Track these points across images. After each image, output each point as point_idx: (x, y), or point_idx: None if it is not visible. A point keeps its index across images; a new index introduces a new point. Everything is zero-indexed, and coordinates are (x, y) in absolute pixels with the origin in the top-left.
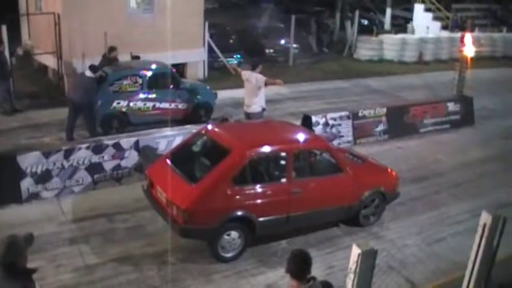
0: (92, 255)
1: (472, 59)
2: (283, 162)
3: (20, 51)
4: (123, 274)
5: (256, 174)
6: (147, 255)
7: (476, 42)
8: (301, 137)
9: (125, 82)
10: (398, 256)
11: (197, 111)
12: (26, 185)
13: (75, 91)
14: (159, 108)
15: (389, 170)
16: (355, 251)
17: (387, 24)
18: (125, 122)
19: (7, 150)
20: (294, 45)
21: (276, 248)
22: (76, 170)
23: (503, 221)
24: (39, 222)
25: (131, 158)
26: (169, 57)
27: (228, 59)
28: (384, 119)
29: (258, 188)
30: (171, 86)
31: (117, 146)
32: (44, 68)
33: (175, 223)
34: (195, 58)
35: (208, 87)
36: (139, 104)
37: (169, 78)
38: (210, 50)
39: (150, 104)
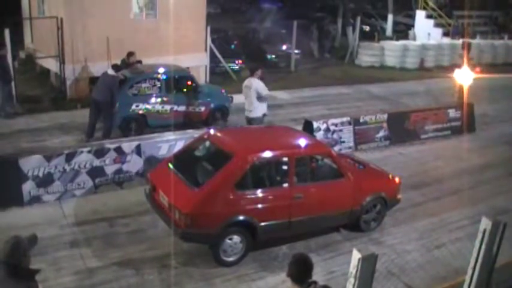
0: (93, 259)
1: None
2: (285, 167)
3: (22, 55)
4: (124, 278)
5: (258, 179)
6: (148, 259)
7: (476, 49)
8: (302, 142)
9: (144, 85)
10: (398, 261)
11: (213, 114)
12: (28, 188)
13: (97, 90)
14: (176, 111)
15: (390, 175)
16: (356, 255)
17: (389, 31)
18: (143, 125)
19: (9, 154)
20: (296, 51)
21: (277, 253)
22: (77, 173)
23: (503, 227)
24: (40, 225)
25: (133, 162)
26: (172, 62)
27: (230, 64)
28: (385, 125)
29: (260, 193)
30: (189, 89)
31: (118, 150)
32: (47, 71)
33: (178, 227)
34: (197, 63)
35: (223, 91)
36: (158, 107)
37: (187, 82)
38: (212, 55)
39: (168, 107)
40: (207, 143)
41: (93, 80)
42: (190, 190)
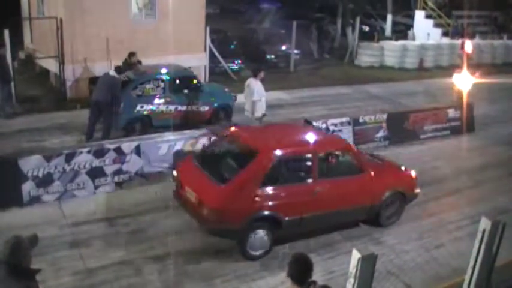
0: (92, 259)
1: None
2: (308, 163)
3: (22, 55)
4: (123, 278)
5: (282, 175)
6: (148, 259)
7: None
8: (324, 138)
9: (148, 86)
10: (397, 261)
11: (217, 114)
12: (27, 188)
13: (98, 90)
14: (181, 111)
15: (408, 170)
16: (355, 255)
17: (388, 31)
18: (147, 125)
19: (8, 154)
20: (295, 51)
21: (277, 253)
22: (77, 173)
23: (503, 227)
24: (40, 225)
25: (132, 163)
26: (171, 62)
27: (229, 65)
28: (384, 125)
29: (285, 189)
30: (193, 89)
31: (118, 150)
32: (46, 72)
33: (205, 222)
34: (196, 63)
35: (226, 90)
36: (162, 107)
37: (190, 82)
38: (211, 55)
39: (172, 107)
40: (232, 141)
41: (92, 81)
42: (218, 186)
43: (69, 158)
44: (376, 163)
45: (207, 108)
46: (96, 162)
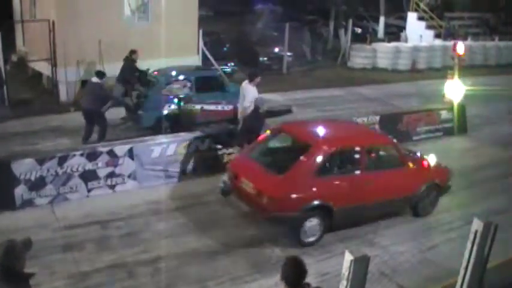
0: (86, 262)
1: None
2: (357, 156)
3: (14, 58)
4: (117, 281)
5: (334, 167)
6: (141, 262)
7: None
8: (370, 133)
9: (175, 86)
10: (390, 263)
11: None
12: (20, 191)
13: (85, 99)
14: (207, 110)
15: (442, 164)
16: (348, 257)
17: (381, 33)
18: (175, 124)
19: (1, 157)
20: (288, 53)
21: (270, 255)
22: (70, 177)
23: (495, 228)
24: (32, 229)
25: (125, 165)
26: (164, 65)
27: (222, 67)
28: (377, 126)
29: (336, 180)
30: (217, 89)
31: (111, 153)
32: (39, 75)
33: (264, 211)
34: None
35: None
36: (189, 107)
37: (215, 81)
38: (204, 58)
39: (198, 106)
40: (283, 135)
41: (85, 83)
42: (275, 177)
43: (61, 161)
44: (414, 157)
45: (231, 107)
46: (89, 165)
